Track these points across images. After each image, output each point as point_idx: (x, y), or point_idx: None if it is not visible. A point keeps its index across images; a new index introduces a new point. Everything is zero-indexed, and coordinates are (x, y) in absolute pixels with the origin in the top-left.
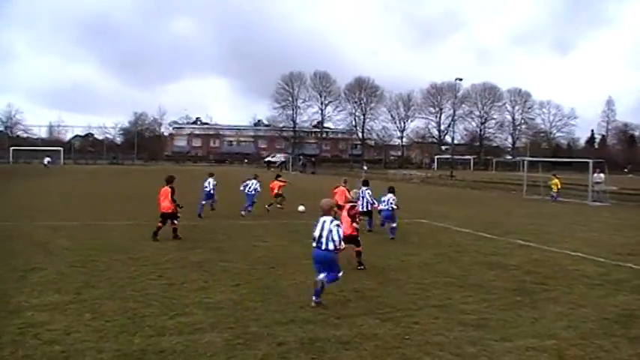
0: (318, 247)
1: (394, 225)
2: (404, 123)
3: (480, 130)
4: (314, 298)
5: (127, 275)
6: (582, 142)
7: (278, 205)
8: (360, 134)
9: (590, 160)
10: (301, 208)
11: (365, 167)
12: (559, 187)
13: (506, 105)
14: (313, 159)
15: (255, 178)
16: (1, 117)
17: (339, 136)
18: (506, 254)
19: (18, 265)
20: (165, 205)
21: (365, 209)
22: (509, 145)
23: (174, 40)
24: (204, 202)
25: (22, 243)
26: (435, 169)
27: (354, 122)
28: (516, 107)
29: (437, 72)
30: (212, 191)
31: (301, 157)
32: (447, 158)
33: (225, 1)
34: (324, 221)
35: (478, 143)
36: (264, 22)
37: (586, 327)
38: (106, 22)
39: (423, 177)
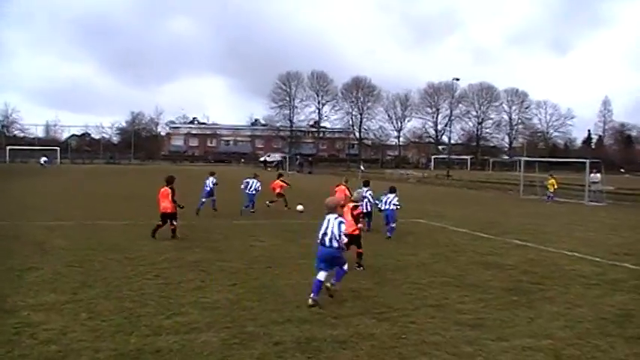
0: (323, 244)
1: (393, 225)
2: (401, 123)
3: (477, 130)
4: (312, 295)
5: (123, 275)
6: (579, 142)
7: (285, 208)
8: (357, 134)
9: (587, 160)
10: (300, 207)
11: (362, 167)
12: (555, 187)
13: (503, 105)
14: (310, 159)
15: (255, 177)
16: None
17: (336, 135)
18: (503, 254)
19: (14, 265)
20: (166, 205)
21: (366, 210)
22: (506, 145)
23: (172, 39)
24: (204, 200)
25: (19, 242)
26: (432, 168)
27: (351, 122)
28: (513, 107)
29: (434, 72)
30: (212, 190)
31: (298, 156)
32: (444, 158)
33: (223, 1)
34: (329, 219)
35: (475, 143)
36: (261, 21)
37: (582, 327)
38: (104, 22)
39: (420, 177)
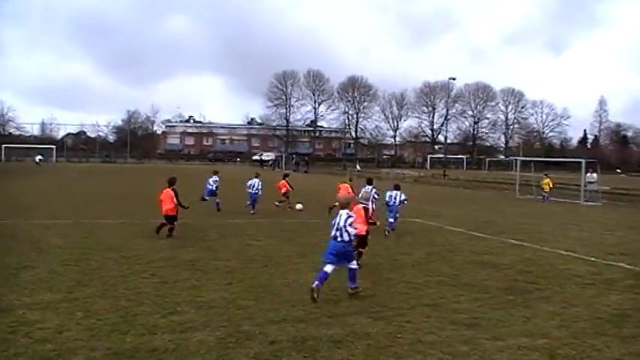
0: (335, 238)
1: (392, 221)
2: (397, 122)
3: (473, 130)
4: (316, 282)
5: (119, 274)
6: (575, 141)
7: (289, 208)
8: (353, 133)
9: (583, 160)
10: (299, 206)
11: (358, 166)
12: (551, 186)
13: (500, 104)
14: (306, 158)
15: (257, 177)
16: None
17: (332, 135)
18: (499, 253)
19: (9, 263)
20: (169, 207)
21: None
22: (502, 145)
23: (168, 37)
24: (207, 198)
25: (14, 241)
26: (428, 168)
27: (347, 121)
28: (509, 107)
29: (430, 71)
30: (215, 189)
31: (294, 155)
32: (440, 157)
33: None
34: (341, 214)
35: (471, 143)
36: (258, 20)
37: (578, 326)
38: (100, 20)
39: (416, 176)
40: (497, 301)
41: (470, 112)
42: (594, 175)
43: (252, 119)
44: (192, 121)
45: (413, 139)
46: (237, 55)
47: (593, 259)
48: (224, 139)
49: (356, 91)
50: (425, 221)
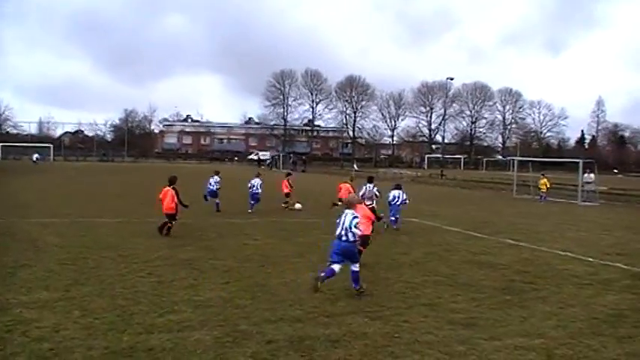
0: (339, 238)
1: (393, 218)
2: (394, 122)
3: (471, 130)
4: (322, 274)
5: (116, 273)
6: (572, 142)
7: (288, 208)
8: (350, 133)
9: (580, 160)
10: (298, 205)
11: (355, 166)
12: (548, 186)
13: (497, 104)
14: (304, 157)
15: (258, 177)
16: None
17: (330, 134)
18: (496, 253)
19: (7, 262)
20: (170, 206)
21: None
22: (500, 145)
23: (166, 36)
24: (209, 198)
25: (11, 240)
26: (426, 168)
27: (344, 121)
28: (507, 107)
29: (428, 71)
30: (216, 189)
31: (292, 155)
32: (438, 157)
33: None
34: (346, 214)
35: (468, 142)
36: (256, 19)
37: (575, 326)
38: (97, 18)
39: (414, 176)
40: (494, 301)
41: (467, 112)
42: (592, 175)
43: (249, 119)
44: (189, 120)
45: (410, 139)
46: (235, 55)
47: (590, 259)
48: (222, 139)
49: (354, 90)
50: (422, 221)
